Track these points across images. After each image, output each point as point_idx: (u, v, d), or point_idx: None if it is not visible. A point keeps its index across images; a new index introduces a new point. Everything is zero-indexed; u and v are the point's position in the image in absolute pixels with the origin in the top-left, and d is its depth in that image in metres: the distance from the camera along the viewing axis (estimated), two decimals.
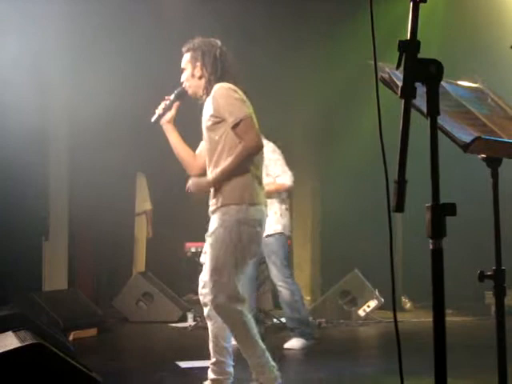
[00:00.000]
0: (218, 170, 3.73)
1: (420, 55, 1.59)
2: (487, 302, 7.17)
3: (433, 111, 1.55)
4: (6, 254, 6.56)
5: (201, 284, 3.96)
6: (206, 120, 3.83)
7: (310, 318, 6.51)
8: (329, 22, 7.78)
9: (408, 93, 1.55)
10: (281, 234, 6.04)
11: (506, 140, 2.02)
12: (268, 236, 5.92)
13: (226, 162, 3.69)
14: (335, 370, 4.98)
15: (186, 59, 3.96)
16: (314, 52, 8.28)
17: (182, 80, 3.98)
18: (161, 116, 4.01)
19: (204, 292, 3.89)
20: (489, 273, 2.02)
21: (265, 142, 5.99)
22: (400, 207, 1.57)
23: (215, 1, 7.77)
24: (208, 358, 5.23)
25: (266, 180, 5.89)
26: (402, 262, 8.32)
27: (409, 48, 1.55)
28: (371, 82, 1.79)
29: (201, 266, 4.08)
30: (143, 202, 9.40)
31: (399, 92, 1.56)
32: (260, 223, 3.71)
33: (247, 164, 3.68)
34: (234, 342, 3.95)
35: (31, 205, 6.99)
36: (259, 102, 3.98)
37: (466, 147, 1.89)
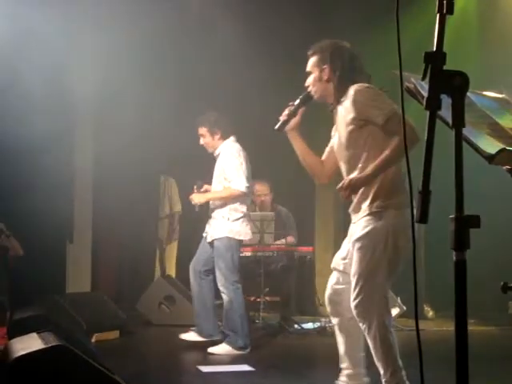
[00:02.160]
0: (372, 165, 3.46)
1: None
2: (510, 312, 7.12)
3: (458, 123, 1.56)
4: (31, 257, 6.63)
5: (330, 291, 3.81)
6: (346, 125, 3.62)
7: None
8: (353, 31, 7.78)
9: (433, 105, 1.55)
10: (228, 238, 5.91)
11: None
12: (215, 240, 5.93)
13: (381, 156, 3.43)
14: None
15: (312, 62, 3.80)
16: None
17: (306, 84, 3.83)
18: (285, 123, 3.86)
19: (338, 300, 3.74)
20: None
21: (228, 144, 6.06)
22: (424, 218, 1.57)
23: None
24: (230, 363, 5.26)
25: (225, 184, 5.95)
26: (425, 270, 8.27)
27: (434, 59, 1.56)
28: (397, 91, 1.80)
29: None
30: (173, 204, 9.43)
31: (424, 103, 1.56)
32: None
33: (401, 159, 3.40)
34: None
35: (56, 208, 7.05)
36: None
37: (490, 159, 1.89)
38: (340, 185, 3.57)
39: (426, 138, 1.57)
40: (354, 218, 3.69)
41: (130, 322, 7.11)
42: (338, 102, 3.69)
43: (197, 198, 5.97)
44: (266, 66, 7.84)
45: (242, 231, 5.99)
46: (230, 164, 5.94)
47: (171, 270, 9.35)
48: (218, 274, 5.90)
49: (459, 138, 1.57)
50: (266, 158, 8.25)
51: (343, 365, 3.77)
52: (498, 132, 2.06)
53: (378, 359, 3.51)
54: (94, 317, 6.52)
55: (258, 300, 7.19)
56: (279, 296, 7.69)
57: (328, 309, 3.85)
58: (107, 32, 7.30)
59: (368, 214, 3.55)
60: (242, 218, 5.99)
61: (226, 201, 5.95)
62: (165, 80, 7.87)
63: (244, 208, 6.02)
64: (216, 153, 6.08)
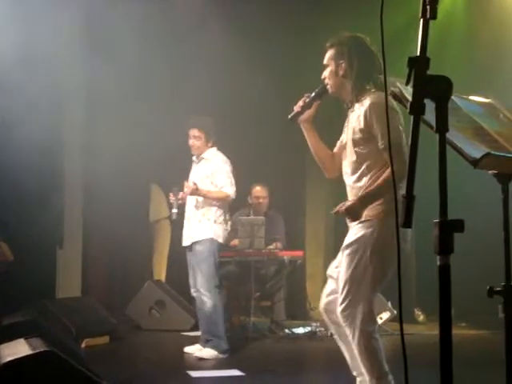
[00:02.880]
0: (365, 194, 3.52)
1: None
2: (501, 316, 7.13)
3: (441, 128, 1.56)
4: (21, 262, 6.59)
5: (324, 300, 3.79)
6: (353, 131, 3.61)
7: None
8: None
9: (417, 109, 1.55)
10: (211, 240, 5.93)
11: None
12: (197, 242, 5.94)
13: (372, 187, 3.49)
14: (344, 382, 4.97)
15: (330, 55, 3.72)
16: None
17: (323, 77, 3.75)
18: (299, 114, 3.80)
19: (332, 308, 3.69)
20: (498, 289, 2.02)
21: (215, 152, 6.08)
22: (408, 222, 1.58)
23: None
24: (220, 368, 5.25)
25: (211, 188, 5.96)
26: (415, 274, 8.29)
27: (418, 64, 1.56)
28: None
29: None
30: (161, 209, 9.44)
31: (408, 108, 1.56)
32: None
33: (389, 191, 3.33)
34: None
35: (46, 213, 7.03)
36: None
37: (475, 163, 1.89)
38: (336, 209, 3.58)
39: (409, 142, 1.58)
40: (350, 226, 3.71)
41: (120, 327, 7.09)
42: (354, 100, 3.64)
43: (194, 192, 5.93)
44: (262, 69, 7.84)
45: (223, 235, 6.03)
46: (222, 170, 6.01)
47: (161, 275, 9.33)
48: (200, 278, 5.89)
49: (443, 143, 1.58)
50: (256, 163, 8.27)
51: (354, 372, 3.73)
52: (483, 136, 2.07)
53: (364, 365, 3.51)
54: (84, 322, 6.49)
55: (249, 304, 7.18)
56: (270, 300, 7.68)
57: (324, 317, 3.83)
58: (95, 43, 7.31)
59: (359, 222, 3.57)
60: (224, 221, 6.04)
61: (214, 201, 5.97)
62: (153, 87, 7.87)
63: (225, 212, 6.08)
64: (201, 157, 6.11)
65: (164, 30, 7.64)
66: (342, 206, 3.56)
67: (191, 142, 6.11)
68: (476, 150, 1.93)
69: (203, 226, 5.96)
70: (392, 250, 3.40)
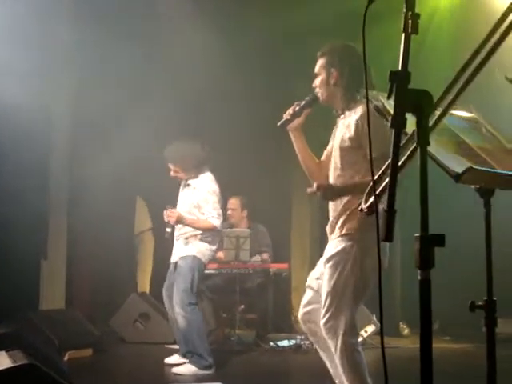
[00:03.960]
0: (342, 186, 3.59)
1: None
2: (484, 330, 7.13)
3: (422, 142, 1.56)
4: (4, 273, 6.55)
5: (302, 311, 3.78)
6: (342, 139, 3.64)
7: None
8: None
9: (398, 123, 1.56)
10: (194, 257, 5.86)
11: (499, 171, 2.02)
12: (180, 258, 5.89)
13: (350, 183, 3.56)
14: None
15: (320, 64, 3.74)
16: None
17: (313, 85, 3.77)
18: (288, 121, 3.82)
19: (311, 319, 3.72)
20: (480, 303, 2.02)
21: (203, 179, 5.98)
22: (389, 237, 1.58)
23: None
24: (203, 381, 5.22)
25: (200, 217, 5.90)
26: (400, 288, 8.30)
27: (399, 79, 1.57)
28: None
29: None
30: (145, 221, 9.44)
31: (389, 122, 1.57)
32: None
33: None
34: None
35: (30, 224, 6.99)
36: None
37: (457, 177, 1.90)
38: (314, 186, 3.57)
39: (391, 156, 1.58)
40: (330, 238, 3.73)
41: (104, 339, 7.03)
42: (345, 108, 3.66)
43: (178, 220, 5.87)
44: (242, 79, 7.84)
45: (207, 254, 5.96)
46: (209, 201, 5.91)
47: (145, 287, 9.29)
48: (175, 294, 5.79)
49: (424, 157, 1.58)
50: (241, 174, 8.26)
51: (336, 380, 3.73)
52: (465, 151, 2.08)
53: (346, 378, 3.51)
54: (67, 334, 6.45)
55: (234, 317, 7.16)
56: (255, 313, 7.66)
57: (303, 327, 3.85)
58: (81, 59, 7.30)
59: (340, 236, 3.60)
60: (211, 241, 5.98)
61: (198, 230, 5.93)
62: (141, 103, 7.86)
63: (214, 233, 6.01)
64: (187, 183, 6.06)
65: (150, 43, 7.66)
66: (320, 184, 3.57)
67: (172, 174, 6.06)
68: (458, 165, 1.93)
69: (188, 244, 5.93)
70: (373, 263, 3.42)
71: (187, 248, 5.92)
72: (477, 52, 1.73)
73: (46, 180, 7.71)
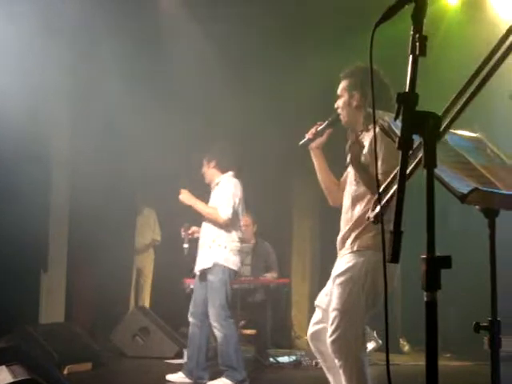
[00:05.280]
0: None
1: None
2: (486, 348, 7.10)
3: (429, 164, 1.56)
4: (4, 286, 6.54)
5: (312, 330, 3.75)
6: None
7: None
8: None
9: (405, 145, 1.56)
10: (223, 268, 5.80)
11: (504, 192, 2.03)
12: (207, 269, 5.82)
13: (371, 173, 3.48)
14: None
15: (343, 86, 3.76)
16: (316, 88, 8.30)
17: (336, 106, 3.79)
18: (310, 140, 3.86)
19: (320, 338, 3.67)
20: (484, 324, 2.01)
21: (229, 177, 5.99)
22: (395, 258, 1.57)
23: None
24: None
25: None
26: (401, 304, 8.27)
27: (407, 100, 1.57)
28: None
29: None
30: (146, 235, 9.44)
31: (396, 144, 1.57)
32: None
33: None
34: None
35: (30, 236, 6.98)
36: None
37: (463, 198, 1.90)
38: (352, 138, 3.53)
39: (397, 178, 1.58)
40: (339, 253, 3.70)
41: (103, 353, 7.01)
42: (364, 129, 3.66)
43: (186, 199, 5.89)
44: (255, 94, 7.84)
45: (235, 261, 5.91)
46: (225, 193, 5.90)
47: (146, 301, 9.28)
48: (211, 309, 5.75)
49: (431, 178, 1.58)
50: (248, 190, 8.28)
51: None
52: (470, 171, 2.08)
53: None
54: (67, 348, 6.43)
55: None
56: (255, 329, 7.63)
57: (311, 346, 3.81)
58: (81, 67, 7.31)
59: (350, 252, 3.57)
60: (237, 250, 5.93)
61: (209, 220, 5.88)
62: (145, 110, 7.87)
63: (238, 240, 5.97)
64: (215, 183, 6.05)
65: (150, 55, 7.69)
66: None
67: (202, 170, 6.09)
68: (464, 185, 1.93)
69: (214, 252, 5.84)
70: (382, 280, 3.40)
71: (213, 257, 5.83)
72: (477, 72, 1.74)
73: (46, 193, 7.72)
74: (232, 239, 5.90)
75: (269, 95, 8.11)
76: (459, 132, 2.31)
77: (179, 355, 7.39)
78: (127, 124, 7.65)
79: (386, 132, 2.08)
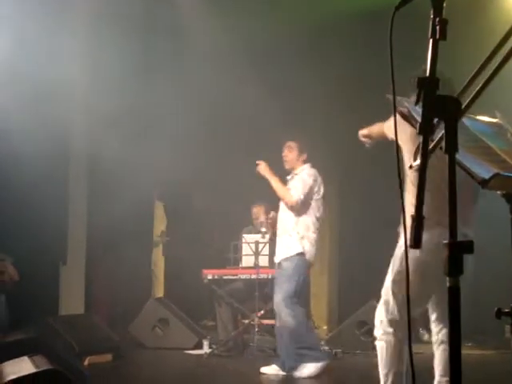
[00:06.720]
0: None
1: None
2: (507, 336, 7.07)
3: (451, 148, 1.55)
4: (24, 278, 6.58)
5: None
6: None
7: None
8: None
9: (426, 130, 1.55)
10: (299, 256, 5.83)
11: None
12: (283, 260, 5.87)
13: None
14: None
15: None
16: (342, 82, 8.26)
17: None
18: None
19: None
20: (506, 310, 2.00)
21: (306, 167, 6.05)
22: (417, 243, 1.56)
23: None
24: None
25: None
26: None
27: (427, 85, 1.56)
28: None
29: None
30: (160, 226, 9.53)
31: (417, 128, 1.56)
32: None
33: None
34: None
35: (49, 229, 7.02)
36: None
37: (484, 183, 1.89)
38: None
39: (419, 163, 1.57)
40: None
41: (123, 344, 7.05)
42: None
43: (263, 170, 5.97)
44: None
45: (312, 251, 5.94)
46: (302, 179, 5.96)
47: (159, 292, 9.31)
48: (279, 295, 5.81)
49: (453, 164, 1.57)
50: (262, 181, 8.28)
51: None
52: (491, 156, 2.06)
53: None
54: (87, 339, 6.47)
55: (253, 323, 7.14)
56: (274, 319, 7.63)
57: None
58: (102, 66, 7.32)
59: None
60: (313, 238, 5.95)
61: (303, 216, 5.92)
62: (163, 108, 7.89)
63: (316, 230, 5.99)
64: (293, 173, 6.08)
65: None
66: None
67: (284, 153, 6.12)
68: (485, 171, 1.92)
69: (292, 241, 5.88)
70: (430, 257, 3.34)
71: (291, 246, 5.86)
72: (495, 51, 1.71)
73: (65, 185, 7.76)
74: (311, 229, 5.93)
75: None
76: (479, 117, 2.29)
77: (199, 346, 7.42)
78: (145, 122, 7.68)
79: (406, 118, 2.07)
